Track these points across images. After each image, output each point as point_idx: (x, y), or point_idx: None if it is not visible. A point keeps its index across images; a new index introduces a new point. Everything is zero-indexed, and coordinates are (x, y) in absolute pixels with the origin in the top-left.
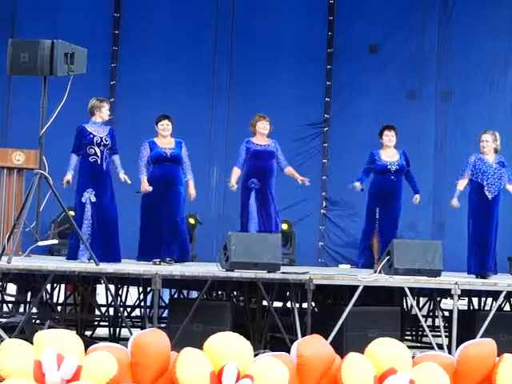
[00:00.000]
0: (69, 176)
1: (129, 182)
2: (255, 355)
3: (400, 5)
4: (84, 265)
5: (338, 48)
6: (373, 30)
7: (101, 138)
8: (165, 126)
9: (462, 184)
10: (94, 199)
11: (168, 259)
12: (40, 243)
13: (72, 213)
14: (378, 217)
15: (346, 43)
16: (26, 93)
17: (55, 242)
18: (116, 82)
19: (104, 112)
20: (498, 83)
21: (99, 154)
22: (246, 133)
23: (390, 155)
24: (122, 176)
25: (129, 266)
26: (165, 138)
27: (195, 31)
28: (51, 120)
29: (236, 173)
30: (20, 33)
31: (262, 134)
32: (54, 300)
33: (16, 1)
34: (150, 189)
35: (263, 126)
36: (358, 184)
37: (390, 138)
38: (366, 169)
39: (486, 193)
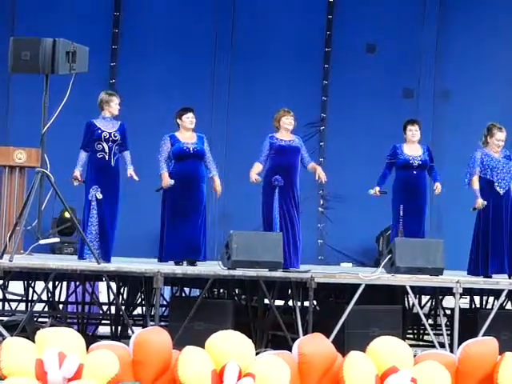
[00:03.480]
0: (77, 172)
1: (136, 178)
2: (257, 353)
3: (398, 4)
4: (86, 263)
5: (335, 47)
6: (370, 29)
7: (109, 133)
8: (190, 119)
9: (476, 182)
10: (100, 196)
11: (191, 260)
12: (41, 241)
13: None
14: (401, 214)
15: (344, 42)
16: (26, 91)
17: (57, 240)
18: (116, 81)
19: (113, 106)
20: (495, 82)
21: (107, 150)
22: (245, 130)
23: (413, 150)
24: (130, 172)
25: (131, 265)
26: (188, 132)
27: (195, 30)
28: (53, 118)
29: (257, 167)
30: (20, 31)
31: (286, 130)
32: (56, 298)
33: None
34: (172, 182)
35: (288, 122)
36: (374, 190)
37: (413, 132)
38: (387, 163)
39: (497, 188)
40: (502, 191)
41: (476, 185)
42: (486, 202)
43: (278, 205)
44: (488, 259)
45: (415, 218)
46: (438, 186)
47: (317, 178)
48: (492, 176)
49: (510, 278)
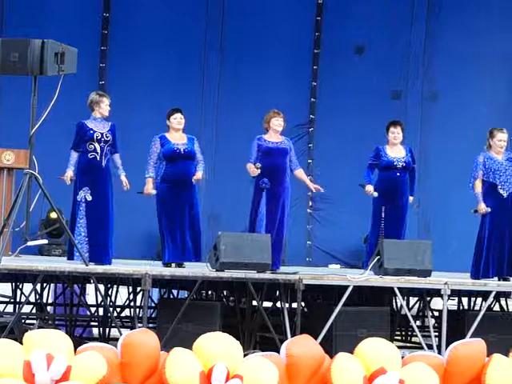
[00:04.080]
0: (69, 172)
1: (127, 187)
2: (245, 355)
3: (387, 6)
4: (74, 265)
5: (324, 48)
6: (359, 30)
7: (102, 133)
8: (178, 120)
9: (478, 186)
10: (89, 198)
11: (186, 262)
12: (30, 243)
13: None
14: (383, 216)
15: (333, 44)
16: (14, 92)
17: (45, 242)
18: (105, 82)
19: (103, 107)
20: (483, 84)
21: (99, 151)
22: (234, 132)
23: (396, 151)
24: (122, 179)
25: (118, 266)
26: (177, 133)
27: (184, 31)
28: (41, 120)
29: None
30: (8, 32)
31: (275, 131)
32: (44, 300)
33: (4, 0)
34: (154, 192)
35: (278, 123)
36: (370, 188)
37: (395, 135)
38: (370, 164)
39: (501, 191)
40: (505, 194)
41: (478, 188)
42: (489, 209)
43: (265, 207)
44: (489, 262)
45: (397, 220)
46: (410, 200)
47: (314, 191)
48: (495, 179)
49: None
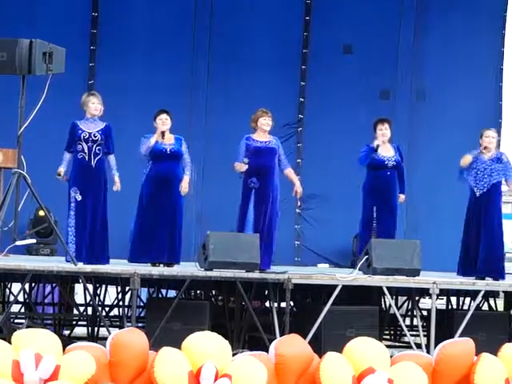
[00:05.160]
0: (60, 169)
1: (117, 188)
2: (234, 355)
3: (375, 5)
4: (62, 264)
5: (312, 48)
6: (347, 30)
7: (89, 133)
8: (163, 120)
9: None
10: (79, 198)
11: (167, 262)
12: (18, 243)
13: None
14: (375, 216)
15: (321, 44)
16: (3, 91)
17: (33, 241)
18: (94, 82)
19: (90, 107)
20: (471, 83)
21: (86, 151)
22: (223, 132)
23: (385, 150)
24: (116, 179)
25: (107, 266)
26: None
27: (173, 31)
28: (29, 119)
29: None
30: None
31: (263, 131)
32: (33, 300)
33: None
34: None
35: (266, 122)
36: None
37: (383, 131)
38: (361, 157)
39: (475, 190)
40: (478, 192)
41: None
42: (470, 158)
43: (253, 207)
44: (468, 261)
45: (387, 219)
46: (401, 197)
47: (293, 194)
48: (473, 177)
49: (483, 279)
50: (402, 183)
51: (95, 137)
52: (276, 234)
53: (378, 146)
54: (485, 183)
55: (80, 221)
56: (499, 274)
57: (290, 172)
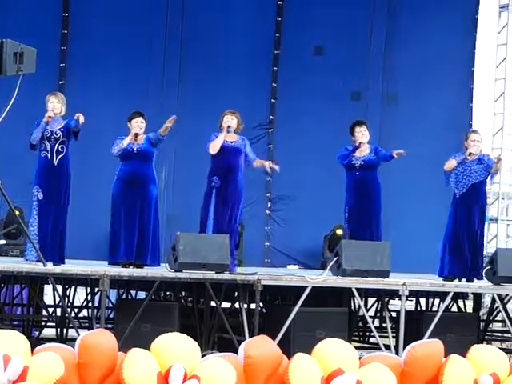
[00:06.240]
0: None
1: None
2: (203, 356)
3: (347, 7)
4: (32, 265)
5: (284, 49)
6: (319, 31)
7: (51, 131)
8: (139, 123)
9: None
10: (40, 197)
11: (138, 263)
12: None
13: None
14: (347, 216)
15: (293, 45)
16: None
17: (3, 242)
18: (65, 82)
19: (49, 105)
20: (442, 86)
21: (49, 149)
22: (194, 133)
23: (361, 151)
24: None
25: (76, 267)
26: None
27: (145, 31)
28: (0, 119)
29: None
30: None
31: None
32: (1, 300)
33: None
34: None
35: (226, 120)
36: None
37: (362, 133)
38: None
39: (455, 190)
40: (458, 193)
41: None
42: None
43: (213, 207)
44: (449, 262)
45: (364, 220)
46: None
47: (269, 171)
48: (453, 178)
49: (468, 280)
50: (386, 154)
51: (57, 135)
52: (236, 235)
53: (360, 143)
54: (464, 184)
55: (43, 220)
56: (477, 275)
57: (257, 162)
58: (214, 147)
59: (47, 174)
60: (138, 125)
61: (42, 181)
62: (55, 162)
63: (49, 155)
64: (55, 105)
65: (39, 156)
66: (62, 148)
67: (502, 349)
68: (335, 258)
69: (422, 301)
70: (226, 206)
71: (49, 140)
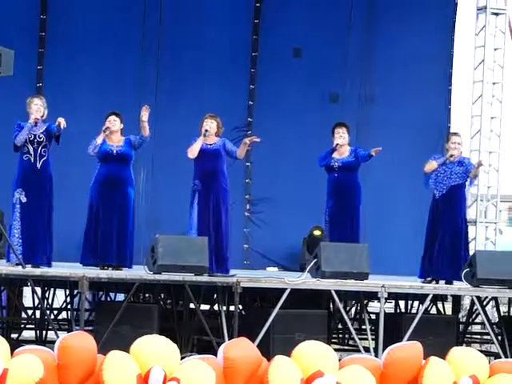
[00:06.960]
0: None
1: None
2: (182, 358)
3: (324, 9)
4: (11, 267)
5: (262, 51)
6: (297, 33)
7: (34, 135)
8: (111, 122)
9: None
10: (24, 200)
11: (115, 265)
12: None
13: None
14: (327, 218)
15: (271, 47)
16: None
17: None
18: (42, 84)
19: (32, 107)
20: (420, 87)
21: (32, 152)
22: (172, 134)
23: (340, 153)
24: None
25: (56, 269)
26: (114, 135)
27: (122, 33)
28: None
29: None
30: None
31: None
32: None
33: None
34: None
35: (205, 124)
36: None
37: (340, 134)
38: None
39: (435, 191)
40: (437, 194)
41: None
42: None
43: (196, 210)
44: (429, 263)
45: (343, 221)
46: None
47: (249, 147)
48: (433, 180)
49: (448, 283)
50: (364, 154)
51: (40, 138)
52: (227, 238)
53: (337, 144)
54: (444, 185)
55: (25, 223)
56: (456, 276)
57: (239, 149)
58: (192, 151)
59: (30, 177)
60: (109, 122)
61: (26, 184)
62: (38, 165)
63: (32, 158)
64: (39, 107)
65: (21, 159)
66: (44, 152)
67: (481, 351)
68: (314, 260)
69: (402, 303)
70: (208, 209)
71: (32, 143)
